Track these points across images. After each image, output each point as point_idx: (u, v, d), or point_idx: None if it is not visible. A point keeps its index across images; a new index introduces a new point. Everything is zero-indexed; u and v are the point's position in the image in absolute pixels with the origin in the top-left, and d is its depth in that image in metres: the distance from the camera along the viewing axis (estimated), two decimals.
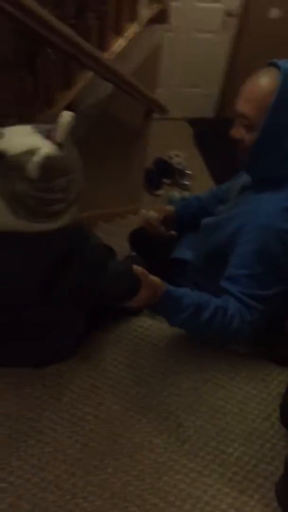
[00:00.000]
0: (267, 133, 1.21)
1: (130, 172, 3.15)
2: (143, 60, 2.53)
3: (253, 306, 1.26)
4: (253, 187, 1.42)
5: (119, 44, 2.22)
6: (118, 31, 2.22)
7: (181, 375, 1.33)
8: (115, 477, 1.10)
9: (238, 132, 1.30)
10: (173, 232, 1.79)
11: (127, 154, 3.01)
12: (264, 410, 1.25)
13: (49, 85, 1.86)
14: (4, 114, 1.68)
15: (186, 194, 3.72)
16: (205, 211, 1.70)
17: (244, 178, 1.48)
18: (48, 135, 0.91)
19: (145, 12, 2.45)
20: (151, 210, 1.76)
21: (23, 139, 0.90)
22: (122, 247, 1.91)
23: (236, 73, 4.35)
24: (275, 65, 1.20)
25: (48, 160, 0.88)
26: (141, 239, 1.91)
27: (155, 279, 1.22)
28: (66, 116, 0.91)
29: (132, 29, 2.30)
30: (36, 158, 0.87)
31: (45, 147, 0.89)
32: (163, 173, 3.99)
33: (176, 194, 3.80)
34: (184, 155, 4.14)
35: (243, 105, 1.26)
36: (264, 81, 1.19)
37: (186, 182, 3.99)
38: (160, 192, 3.92)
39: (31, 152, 0.88)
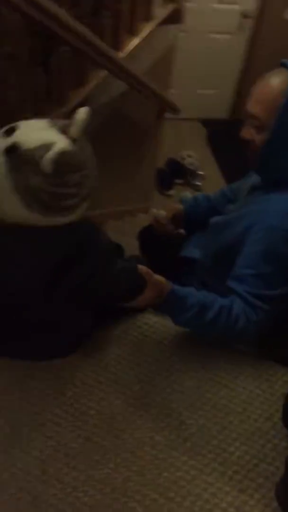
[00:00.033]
0: (277, 134, 1.21)
1: (142, 171, 3.15)
2: (156, 59, 2.53)
3: (258, 306, 1.26)
4: (262, 188, 1.42)
5: (133, 43, 2.23)
6: (132, 30, 2.23)
7: (184, 373, 1.33)
8: (116, 472, 1.11)
9: (248, 133, 1.30)
10: (181, 231, 1.79)
11: (139, 153, 3.02)
12: (267, 410, 1.25)
13: (62, 83, 1.87)
14: (19, 112, 1.70)
15: (198, 194, 3.71)
16: (214, 210, 1.70)
17: (254, 178, 1.48)
18: (63, 130, 0.92)
19: (160, 11, 2.46)
20: (161, 209, 1.77)
21: (39, 133, 0.91)
22: (131, 246, 1.91)
23: (251, 74, 4.34)
24: (286, 66, 1.20)
25: (63, 155, 0.89)
26: (150, 237, 1.91)
27: (159, 278, 1.22)
28: (82, 112, 0.92)
29: (146, 29, 2.30)
30: (51, 153, 0.88)
31: (60, 142, 0.89)
32: (175, 173, 3.99)
33: (188, 194, 3.80)
34: (197, 156, 4.14)
35: (253, 106, 1.26)
36: (275, 82, 1.19)
37: (198, 183, 3.98)
38: (171, 192, 3.92)
39: (46, 146, 0.89)
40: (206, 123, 4.69)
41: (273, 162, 1.28)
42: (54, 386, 1.26)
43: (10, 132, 0.92)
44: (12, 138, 0.91)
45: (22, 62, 1.63)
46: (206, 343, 1.39)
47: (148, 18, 2.34)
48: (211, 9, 4.03)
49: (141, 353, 1.37)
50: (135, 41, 2.24)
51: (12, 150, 0.90)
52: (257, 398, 1.28)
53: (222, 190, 1.83)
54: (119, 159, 2.59)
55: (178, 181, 4.00)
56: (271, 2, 4.05)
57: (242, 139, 1.32)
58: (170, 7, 2.53)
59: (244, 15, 4.11)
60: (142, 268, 1.20)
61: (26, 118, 0.97)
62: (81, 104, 1.98)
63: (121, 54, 2.15)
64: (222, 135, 4.31)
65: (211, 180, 3.93)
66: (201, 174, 4.01)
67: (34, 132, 0.92)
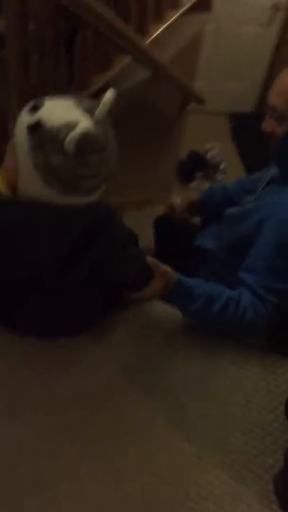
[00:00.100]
0: None
1: (163, 161, 3.14)
2: (183, 46, 2.51)
3: (267, 299, 1.25)
4: (280, 180, 1.40)
5: (159, 29, 2.21)
6: (159, 17, 2.21)
7: (189, 361, 1.32)
8: (114, 453, 1.12)
9: (269, 125, 1.29)
10: (196, 220, 1.79)
11: (161, 143, 3.00)
12: (271, 403, 1.23)
13: (85, 67, 1.87)
14: (41, 93, 1.71)
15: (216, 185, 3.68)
16: (231, 201, 1.68)
17: (273, 171, 1.47)
18: (88, 111, 0.92)
19: None
20: (178, 198, 1.78)
21: (63, 112, 0.91)
22: (147, 236, 1.92)
23: (280, 68, 4.26)
24: None
25: (86, 136, 0.89)
26: (165, 225, 1.91)
27: (166, 268, 1.22)
28: (109, 94, 0.91)
29: (172, 15, 2.28)
30: (74, 133, 0.88)
31: (84, 123, 0.89)
32: (196, 166, 3.97)
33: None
34: (219, 149, 4.10)
35: (274, 98, 1.25)
36: None
37: (219, 177, 3.95)
38: (193, 184, 3.90)
39: (70, 126, 0.89)
40: (231, 116, 4.64)
41: None
42: (59, 366, 1.27)
43: (35, 109, 0.93)
44: (37, 115, 0.92)
45: (45, 43, 1.63)
46: (212, 333, 1.38)
47: (175, 4, 2.32)
48: (242, 0, 3.98)
49: (147, 338, 1.37)
50: (161, 28, 2.22)
51: (36, 127, 0.91)
52: (262, 390, 1.27)
53: (240, 180, 1.81)
54: (140, 147, 2.58)
55: (199, 174, 3.98)
56: None
57: (264, 132, 1.31)
58: None
59: (276, 7, 4.04)
60: (148, 258, 1.20)
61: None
62: (104, 89, 1.99)
63: (146, 40, 2.13)
64: (247, 129, 4.25)
65: (232, 174, 3.89)
66: (223, 168, 3.98)
67: (59, 111, 0.92)
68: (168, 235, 1.89)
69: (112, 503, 1.02)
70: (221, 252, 1.53)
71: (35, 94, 1.06)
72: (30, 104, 0.95)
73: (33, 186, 0.97)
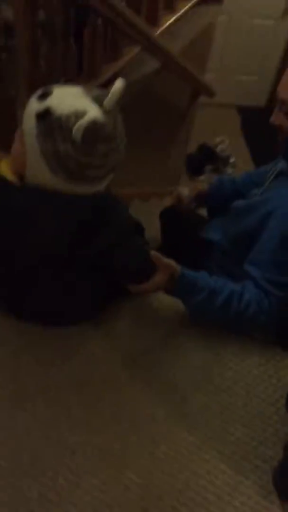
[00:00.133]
0: None
1: (172, 153, 3.13)
2: (193, 39, 2.49)
3: (271, 292, 1.24)
4: (287, 173, 1.40)
5: (169, 20, 2.20)
6: (170, 7, 2.20)
7: (191, 352, 1.32)
8: (114, 441, 1.12)
9: (278, 118, 1.28)
10: (203, 211, 1.79)
11: (170, 135, 2.99)
12: (272, 395, 1.23)
13: (95, 56, 1.87)
14: (49, 82, 1.71)
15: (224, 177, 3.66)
16: (238, 193, 1.68)
17: (281, 164, 1.46)
18: (97, 100, 0.92)
19: None
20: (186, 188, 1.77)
21: (72, 100, 0.92)
22: (154, 227, 1.92)
23: None
24: None
25: (94, 125, 0.89)
26: (172, 217, 1.91)
27: (170, 261, 1.22)
28: (118, 84, 0.91)
29: (184, 6, 2.27)
30: (83, 121, 0.88)
31: (93, 112, 0.89)
32: (206, 159, 3.95)
33: None
34: (229, 143, 4.07)
35: (283, 91, 1.25)
36: None
37: (228, 170, 3.93)
38: (202, 178, 3.88)
39: (78, 114, 0.89)
40: (242, 110, 4.60)
41: None
42: (61, 353, 1.27)
43: (44, 96, 0.93)
44: (46, 102, 0.92)
45: (55, 31, 1.63)
46: (215, 325, 1.38)
47: None
48: None
49: (150, 328, 1.38)
50: (172, 18, 2.21)
51: (45, 115, 0.91)
52: (263, 382, 1.27)
53: (248, 173, 1.80)
54: (149, 139, 2.58)
55: (208, 167, 3.96)
56: None
57: (273, 126, 1.30)
58: None
59: None
60: (151, 252, 1.20)
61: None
62: (113, 79, 1.98)
63: (157, 31, 2.12)
64: (257, 123, 4.22)
65: (242, 168, 3.87)
66: (232, 162, 3.96)
67: (68, 99, 0.92)
68: (174, 226, 1.89)
69: (111, 491, 1.03)
70: (227, 245, 1.53)
71: (44, 83, 1.07)
72: (39, 92, 0.96)
73: (40, 173, 0.97)
